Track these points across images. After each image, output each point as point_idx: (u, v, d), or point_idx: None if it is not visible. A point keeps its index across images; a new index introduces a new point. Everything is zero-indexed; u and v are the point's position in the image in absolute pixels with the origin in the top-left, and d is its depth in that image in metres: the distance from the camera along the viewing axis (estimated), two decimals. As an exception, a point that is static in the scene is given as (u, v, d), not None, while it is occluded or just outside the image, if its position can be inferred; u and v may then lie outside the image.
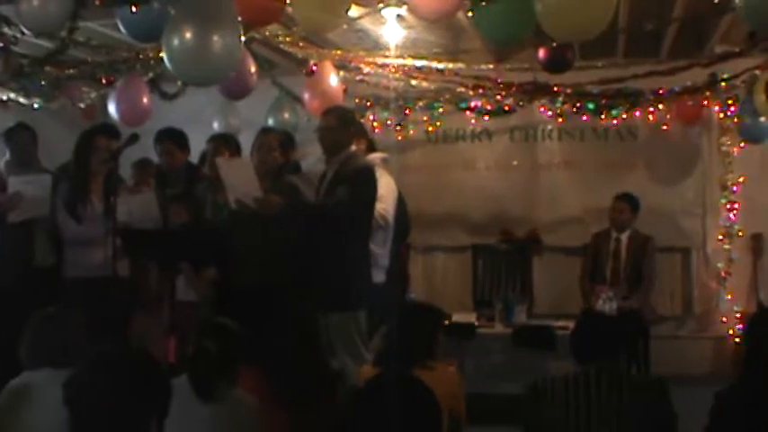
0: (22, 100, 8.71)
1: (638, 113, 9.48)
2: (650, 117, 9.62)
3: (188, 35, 5.60)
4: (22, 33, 6.53)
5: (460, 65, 8.79)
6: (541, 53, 8.06)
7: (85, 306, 5.06)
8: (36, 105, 8.82)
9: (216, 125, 9.66)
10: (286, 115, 9.70)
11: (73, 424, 2.75)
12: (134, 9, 6.06)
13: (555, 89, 8.96)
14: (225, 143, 7.76)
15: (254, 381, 4.68)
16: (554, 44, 7.65)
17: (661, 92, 9.00)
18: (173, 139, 7.76)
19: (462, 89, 9.08)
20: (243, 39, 5.92)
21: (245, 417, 4.39)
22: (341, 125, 6.94)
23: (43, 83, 8.46)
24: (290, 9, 6.23)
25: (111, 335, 5.36)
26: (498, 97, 9.16)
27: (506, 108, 9.43)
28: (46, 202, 7.07)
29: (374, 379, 3.78)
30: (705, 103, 9.49)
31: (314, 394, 4.83)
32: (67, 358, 4.13)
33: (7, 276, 7.30)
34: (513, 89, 8.87)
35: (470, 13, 6.14)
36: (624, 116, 9.46)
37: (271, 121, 9.53)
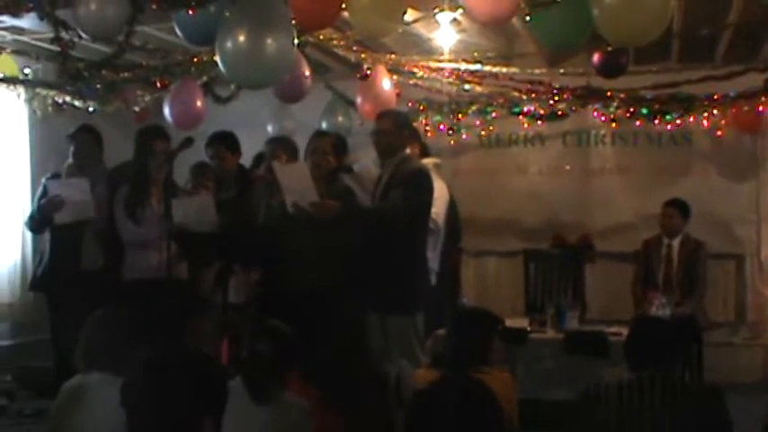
0: (77, 103, 8.79)
1: (692, 119, 9.35)
2: (705, 122, 9.49)
3: (241, 38, 5.63)
4: (80, 37, 6.57)
5: (514, 69, 8.76)
6: (595, 58, 8.02)
7: (143, 308, 5.11)
8: (91, 109, 8.89)
9: (270, 128, 9.70)
10: (339, 119, 9.74)
11: (130, 425, 2.77)
12: (191, 12, 6.08)
13: (608, 94, 8.92)
14: (282, 146, 7.78)
15: (305, 384, 4.69)
16: (609, 49, 7.61)
17: (716, 97, 8.91)
18: (223, 142, 7.78)
19: (516, 93, 9.06)
20: (297, 42, 5.95)
21: (299, 420, 4.40)
22: (396, 128, 6.94)
23: (98, 86, 8.54)
24: (344, 13, 6.24)
25: (167, 337, 5.40)
26: (551, 102, 9.12)
27: (559, 113, 9.40)
28: (88, 204, 7.18)
29: (437, 381, 3.77)
30: (760, 108, 9.37)
31: (366, 398, 4.83)
32: (122, 360, 4.15)
33: (57, 279, 7.40)
34: (567, 94, 8.83)
35: (528, 17, 6.13)
36: (678, 121, 9.35)
37: (324, 125, 9.56)
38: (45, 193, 7.36)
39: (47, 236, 7.55)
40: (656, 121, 9.27)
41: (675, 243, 8.87)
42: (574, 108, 9.30)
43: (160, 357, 2.90)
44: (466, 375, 3.92)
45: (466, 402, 3.34)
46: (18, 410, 8.20)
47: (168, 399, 2.73)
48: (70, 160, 7.66)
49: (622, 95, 8.92)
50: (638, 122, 9.40)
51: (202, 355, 2.95)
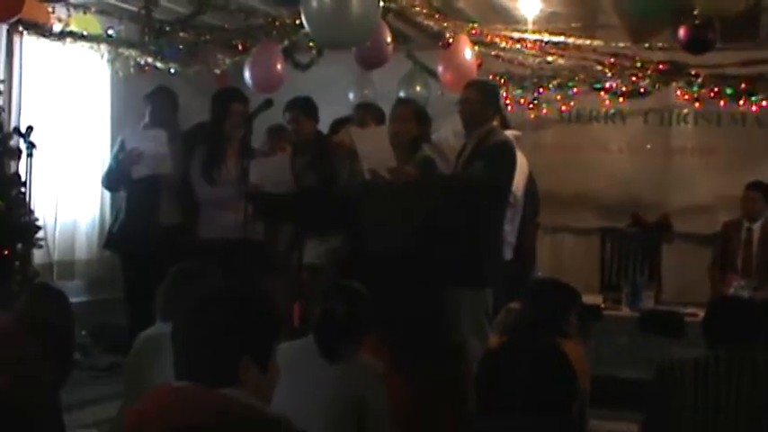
0: (159, 65, 8.85)
1: (778, 100, 9.15)
2: (792, 103, 9.27)
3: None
4: (163, -5, 6.61)
5: (597, 42, 8.66)
6: (682, 32, 7.87)
7: (221, 265, 5.14)
8: (172, 70, 8.95)
9: (351, 96, 9.70)
10: (418, 88, 9.73)
11: (173, 357, 2.78)
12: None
13: (693, 72, 8.77)
14: (370, 112, 7.76)
15: (379, 347, 4.67)
16: (696, 22, 7.47)
17: (804, 78, 8.72)
18: (300, 107, 7.76)
19: (598, 67, 8.94)
20: (381, 4, 5.94)
21: (371, 381, 4.38)
22: (483, 98, 6.86)
23: (180, 47, 8.60)
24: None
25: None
26: (634, 78, 9.00)
27: (642, 90, 9.27)
28: (166, 157, 7.23)
29: (510, 342, 3.73)
30: None
31: (438, 365, 4.81)
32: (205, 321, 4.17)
33: (133, 235, 7.47)
34: (651, 69, 8.69)
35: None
36: (764, 103, 9.14)
37: (402, 94, 9.53)
38: (122, 148, 7.43)
39: (123, 193, 7.62)
40: (741, 102, 9.09)
41: (756, 227, 8.74)
42: (656, 86, 9.16)
43: (207, 291, 2.90)
44: (540, 338, 3.87)
45: (539, 362, 3.30)
46: (92, 365, 8.31)
47: (206, 332, 2.73)
48: (146, 120, 7.72)
49: (706, 73, 8.75)
50: (722, 103, 9.23)
51: (252, 291, 2.92)
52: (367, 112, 7.70)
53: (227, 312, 2.76)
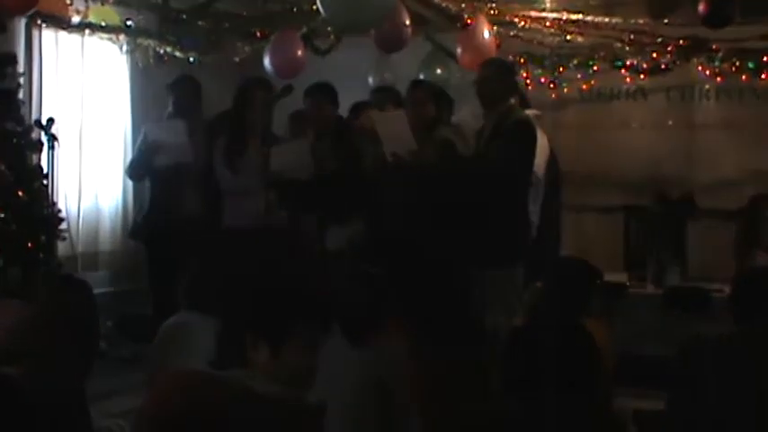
0: (177, 54, 8.87)
1: (801, 73, 9.08)
2: (815, 77, 9.20)
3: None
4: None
5: (616, 19, 8.63)
6: (701, 7, 7.84)
7: (246, 253, 5.17)
8: (191, 59, 8.97)
9: (371, 80, 9.70)
10: (438, 71, 9.69)
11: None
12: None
13: (713, 47, 8.73)
14: (389, 96, 7.76)
15: (401, 331, 4.67)
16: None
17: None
18: (321, 92, 7.77)
19: (618, 45, 8.91)
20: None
21: (392, 365, 4.39)
22: (500, 76, 6.82)
23: (199, 36, 8.63)
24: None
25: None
26: (655, 55, 8.96)
27: (663, 67, 9.23)
28: (186, 147, 7.25)
29: (534, 321, 3.73)
30: None
31: (462, 348, 4.80)
32: (220, 305, 4.18)
33: (158, 225, 7.50)
34: (671, 45, 8.66)
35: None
36: (787, 76, 9.10)
37: (422, 77, 9.51)
38: (145, 140, 7.47)
39: (147, 183, 7.65)
40: (763, 76, 9.04)
41: (783, 201, 8.68)
42: (677, 62, 9.12)
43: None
44: (564, 318, 3.87)
45: (564, 341, 3.30)
46: (117, 355, 8.35)
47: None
48: (170, 110, 7.73)
49: (728, 47, 8.70)
50: (743, 77, 9.18)
51: (262, 276, 2.94)
52: (386, 96, 7.70)
53: (231, 296, 2.79)
